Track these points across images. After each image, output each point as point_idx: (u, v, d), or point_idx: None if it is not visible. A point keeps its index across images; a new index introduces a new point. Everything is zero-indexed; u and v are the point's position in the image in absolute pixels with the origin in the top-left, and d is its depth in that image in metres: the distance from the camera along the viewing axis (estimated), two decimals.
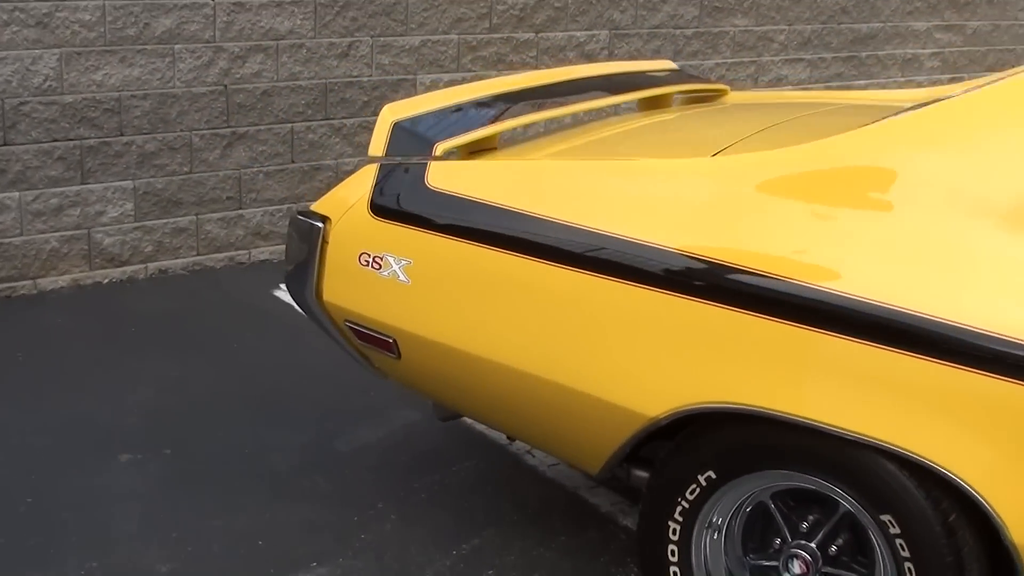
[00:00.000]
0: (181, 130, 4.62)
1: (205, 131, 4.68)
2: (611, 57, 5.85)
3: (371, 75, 5.07)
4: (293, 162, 4.96)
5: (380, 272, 2.68)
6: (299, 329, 4.32)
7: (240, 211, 4.86)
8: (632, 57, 5.92)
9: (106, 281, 4.61)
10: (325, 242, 2.78)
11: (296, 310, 4.60)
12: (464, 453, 3.44)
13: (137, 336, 4.16)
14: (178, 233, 4.72)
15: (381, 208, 2.70)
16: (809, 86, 6.76)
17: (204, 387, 3.79)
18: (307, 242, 2.80)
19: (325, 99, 4.97)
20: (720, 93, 3.73)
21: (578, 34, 5.70)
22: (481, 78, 5.38)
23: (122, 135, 4.49)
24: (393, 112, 2.82)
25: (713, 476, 2.35)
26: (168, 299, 4.52)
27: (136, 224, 4.61)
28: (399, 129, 2.76)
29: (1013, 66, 8.03)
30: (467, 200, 2.58)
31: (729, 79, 6.28)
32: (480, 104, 3.01)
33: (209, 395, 3.73)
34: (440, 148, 2.70)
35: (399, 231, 2.66)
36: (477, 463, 3.39)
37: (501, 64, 5.45)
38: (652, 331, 2.31)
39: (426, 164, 2.69)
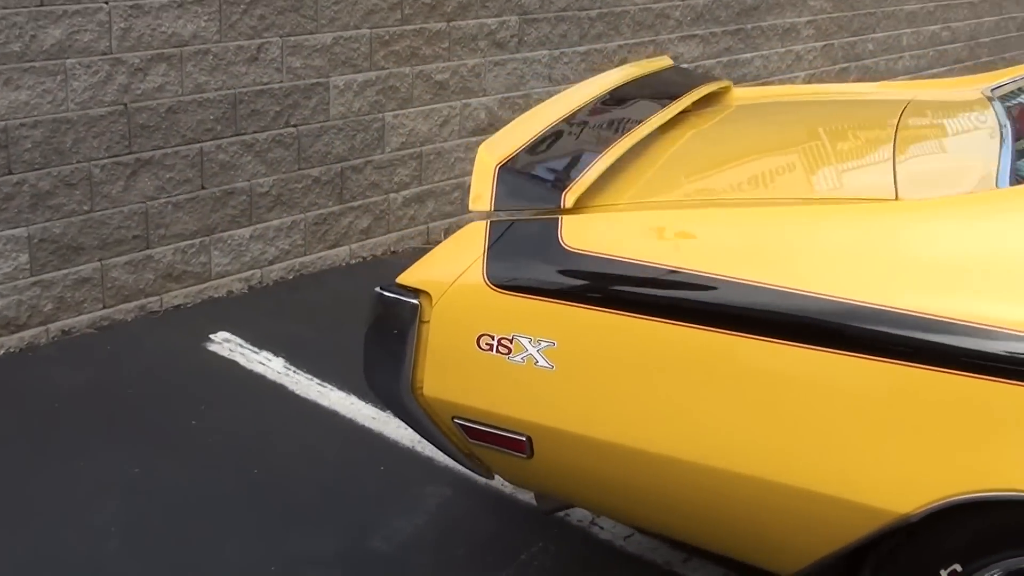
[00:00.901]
0: (78, 161, 3.81)
1: (105, 160, 3.89)
2: (521, 44, 5.35)
3: (282, 81, 4.39)
4: (204, 188, 4.23)
5: (510, 358, 2.13)
6: (256, 391, 3.65)
7: (148, 251, 4.10)
8: (541, 43, 5.45)
9: (2, 352, 3.78)
10: (424, 323, 2.20)
11: (242, 365, 3.93)
12: (524, 533, 2.92)
13: (68, 424, 3.39)
14: (80, 284, 3.92)
15: (504, 278, 2.14)
16: (703, 63, 6.48)
17: (180, 485, 3.09)
18: (399, 324, 2.21)
19: (235, 112, 4.25)
20: (726, 91, 3.34)
21: (489, 21, 5.17)
22: (395, 76, 4.78)
23: (11, 173, 3.65)
24: (492, 152, 2.25)
25: (959, 569, 1.97)
26: (86, 368, 3.73)
27: (33, 279, 3.78)
28: (507, 174, 2.20)
29: (875, 29, 8.05)
30: (629, 263, 2.06)
31: (631, 61, 5.91)
32: (571, 133, 2.49)
33: (191, 496, 3.04)
34: (571, 197, 2.16)
35: (534, 306, 2.12)
36: (545, 545, 2.88)
37: (415, 59, 4.86)
38: (910, 414, 1.88)
39: (557, 219, 2.15)
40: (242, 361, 3.84)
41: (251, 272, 4.46)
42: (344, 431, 3.43)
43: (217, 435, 3.36)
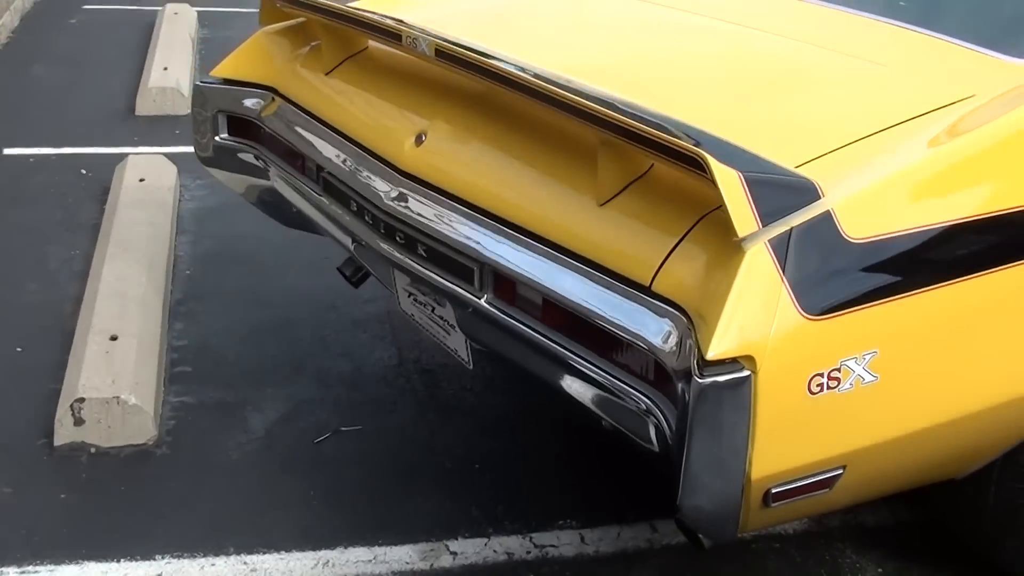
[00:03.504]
0: None
1: None
2: None
3: None
4: None
5: (839, 389, 1.84)
6: None
7: None
8: None
9: None
10: (756, 395, 1.74)
11: None
12: None
13: None
14: None
15: (817, 301, 1.80)
16: None
17: None
18: (732, 410, 1.74)
19: None
20: None
21: None
22: None
23: None
24: (725, 160, 1.78)
25: None
26: None
27: None
28: (757, 185, 1.78)
29: None
30: (940, 228, 1.91)
31: None
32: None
33: None
34: (816, 179, 1.86)
35: (849, 321, 1.83)
36: None
37: None
38: None
39: (828, 212, 1.83)
40: None
41: None
42: None
43: None
